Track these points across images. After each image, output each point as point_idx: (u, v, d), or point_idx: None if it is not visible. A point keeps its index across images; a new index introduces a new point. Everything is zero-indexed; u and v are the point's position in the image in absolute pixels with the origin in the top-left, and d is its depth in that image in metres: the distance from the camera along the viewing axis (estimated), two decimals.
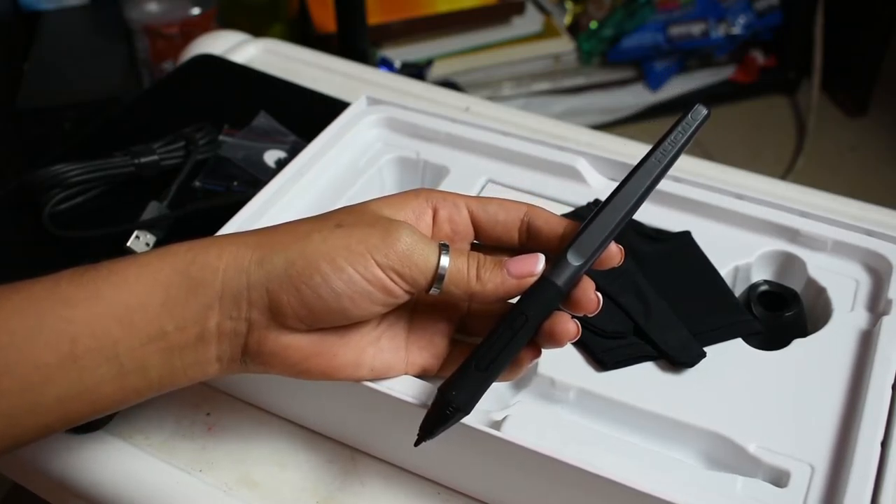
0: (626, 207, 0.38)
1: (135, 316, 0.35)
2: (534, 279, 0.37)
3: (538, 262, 0.37)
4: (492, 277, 0.37)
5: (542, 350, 0.39)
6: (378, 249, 0.35)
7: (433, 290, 0.37)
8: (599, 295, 0.38)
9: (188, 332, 0.36)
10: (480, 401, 0.43)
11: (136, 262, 0.36)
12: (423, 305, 0.41)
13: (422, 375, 0.40)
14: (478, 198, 0.40)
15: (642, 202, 0.38)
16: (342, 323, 0.37)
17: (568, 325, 0.37)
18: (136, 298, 0.35)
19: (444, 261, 0.36)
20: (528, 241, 0.39)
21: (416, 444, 0.37)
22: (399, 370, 0.40)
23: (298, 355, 0.37)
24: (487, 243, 0.40)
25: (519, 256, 0.38)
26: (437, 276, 0.36)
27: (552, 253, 0.38)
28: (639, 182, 0.38)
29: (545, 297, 0.37)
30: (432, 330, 0.40)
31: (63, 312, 0.35)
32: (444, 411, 0.36)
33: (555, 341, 0.37)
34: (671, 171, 0.51)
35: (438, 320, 0.40)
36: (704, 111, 0.38)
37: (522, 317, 0.37)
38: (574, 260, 0.37)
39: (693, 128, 0.38)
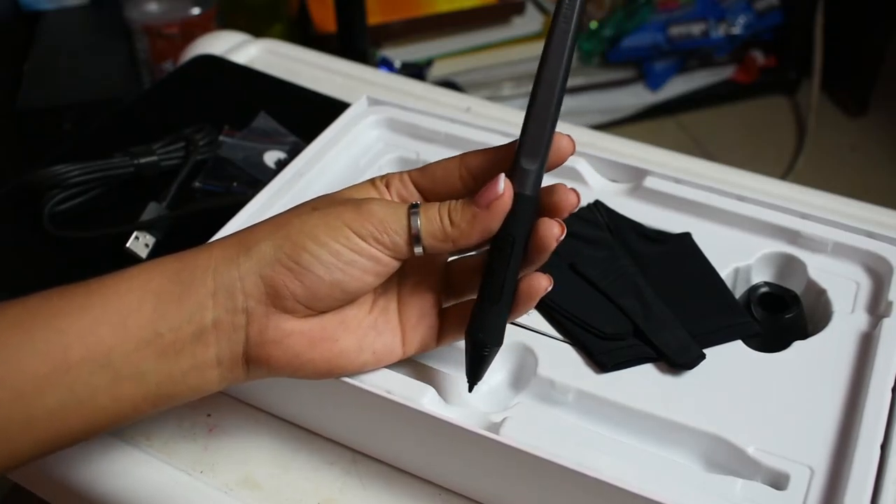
0: (553, 98, 0.38)
1: (127, 321, 0.36)
2: (503, 202, 0.37)
3: (499, 182, 0.37)
4: (464, 216, 0.38)
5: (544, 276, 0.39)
6: (354, 221, 0.37)
7: (417, 251, 0.38)
8: (575, 189, 0.39)
9: (183, 331, 0.36)
10: (480, 403, 0.43)
11: (126, 273, 0.38)
12: (406, 282, 0.41)
13: (422, 351, 0.41)
14: (419, 168, 0.41)
15: (565, 87, 0.38)
16: (340, 298, 0.38)
17: (552, 227, 0.37)
18: (127, 306, 0.36)
19: (415, 218, 0.38)
20: (473, 182, 0.40)
21: (470, 390, 0.40)
22: (398, 352, 0.41)
23: (301, 343, 0.38)
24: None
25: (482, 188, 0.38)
26: (414, 234, 0.37)
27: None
28: (554, 70, 0.38)
29: (519, 210, 0.37)
30: (420, 305, 0.41)
31: (55, 323, 0.35)
32: (481, 353, 0.39)
33: (544, 248, 0.38)
34: (672, 173, 0.52)
35: (424, 293, 0.41)
36: None
37: (508, 237, 0.38)
38: (529, 164, 0.38)
39: None
